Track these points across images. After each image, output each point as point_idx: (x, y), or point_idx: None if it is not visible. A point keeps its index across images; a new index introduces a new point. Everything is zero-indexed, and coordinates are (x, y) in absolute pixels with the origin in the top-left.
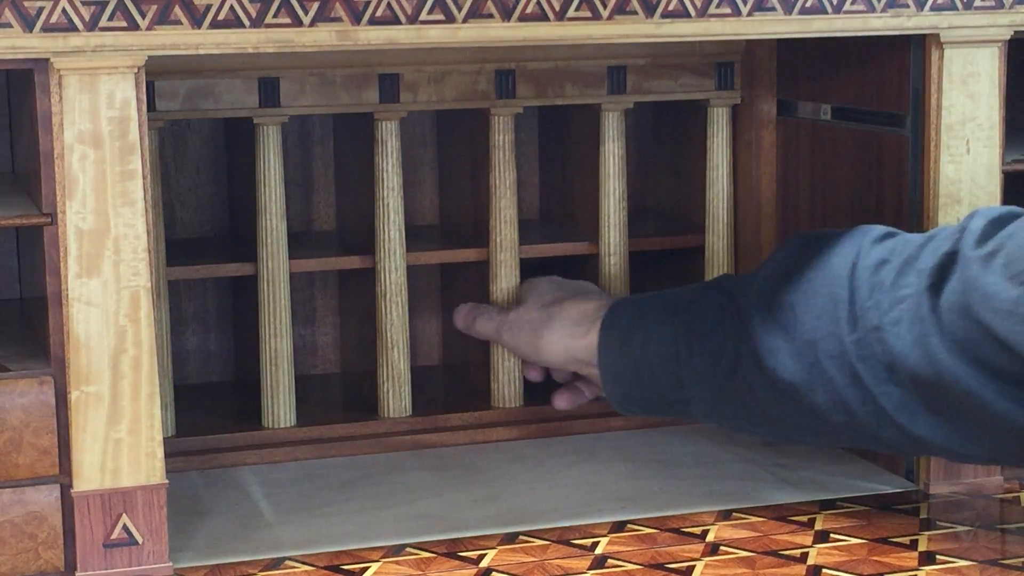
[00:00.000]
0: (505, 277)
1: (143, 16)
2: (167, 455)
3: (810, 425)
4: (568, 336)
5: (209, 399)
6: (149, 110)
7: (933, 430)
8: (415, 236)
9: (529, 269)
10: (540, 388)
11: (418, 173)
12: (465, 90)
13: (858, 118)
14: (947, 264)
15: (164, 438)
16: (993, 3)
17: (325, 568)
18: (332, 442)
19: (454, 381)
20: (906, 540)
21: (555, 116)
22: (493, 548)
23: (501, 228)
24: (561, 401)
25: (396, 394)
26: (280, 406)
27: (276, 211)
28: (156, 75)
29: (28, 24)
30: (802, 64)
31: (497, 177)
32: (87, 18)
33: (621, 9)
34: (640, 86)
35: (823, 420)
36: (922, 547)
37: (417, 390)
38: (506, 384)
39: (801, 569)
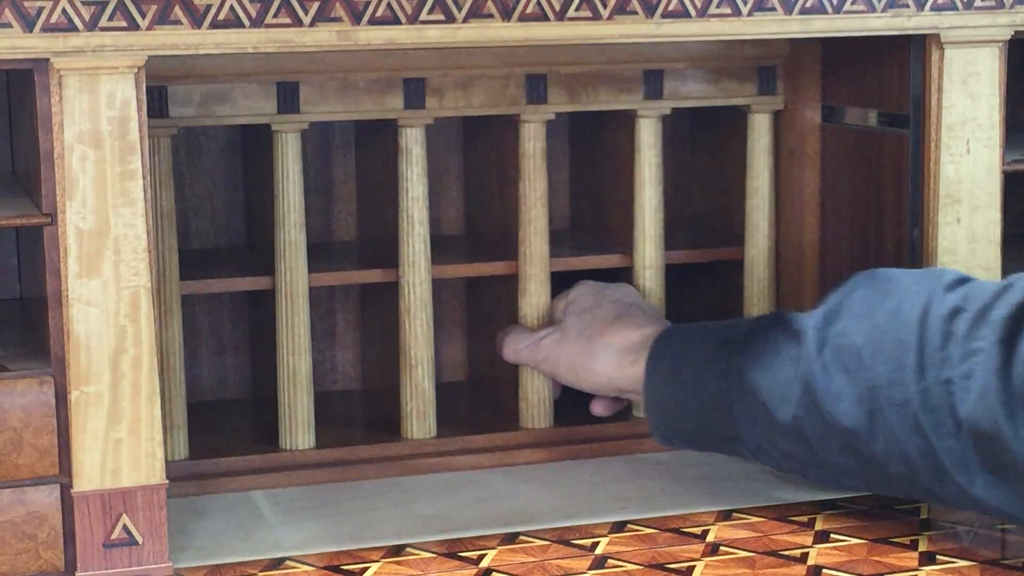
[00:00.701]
0: (535, 292)
1: (143, 16)
2: (179, 479)
3: (865, 473)
4: (612, 366)
5: (223, 418)
6: (162, 116)
7: (990, 491)
8: (439, 247)
9: (558, 283)
10: (571, 408)
11: (443, 182)
12: (494, 95)
13: (902, 124)
14: (1021, 316)
15: (176, 460)
16: (993, 3)
17: (325, 568)
18: (352, 465)
19: (480, 400)
20: (906, 540)
21: (586, 121)
22: (493, 548)
23: (531, 240)
24: (600, 408)
25: (420, 414)
26: (298, 427)
27: (295, 222)
28: (169, 79)
29: (28, 24)
30: (848, 67)
31: (527, 187)
32: (87, 18)
33: (621, 9)
34: (678, 91)
35: (880, 469)
36: (922, 547)
37: (441, 409)
38: (535, 404)
39: (801, 569)
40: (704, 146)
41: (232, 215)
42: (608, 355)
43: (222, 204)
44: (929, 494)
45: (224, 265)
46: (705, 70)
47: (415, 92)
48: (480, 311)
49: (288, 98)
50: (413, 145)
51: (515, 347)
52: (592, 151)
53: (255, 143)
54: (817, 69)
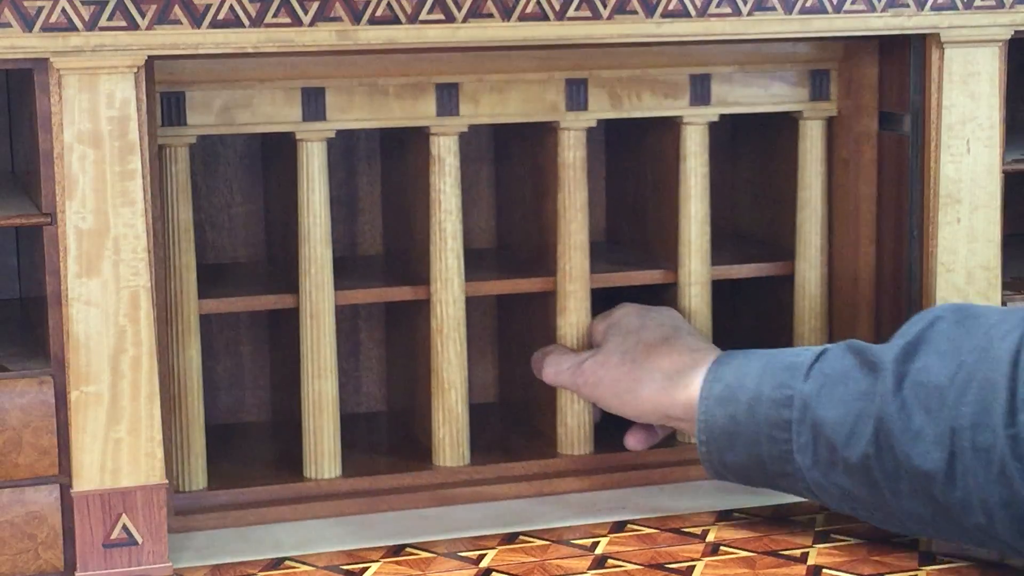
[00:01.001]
0: (575, 310)
1: (143, 16)
2: (198, 511)
3: (937, 520)
4: (661, 392)
5: (243, 444)
6: (179, 124)
7: None
8: (469, 262)
9: (596, 300)
10: (613, 432)
11: (472, 192)
12: (532, 101)
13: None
14: None
15: (194, 491)
16: (993, 3)
17: (325, 568)
18: (381, 495)
19: (513, 424)
20: (906, 540)
21: (623, 129)
22: (493, 548)
23: (570, 255)
24: (634, 441)
25: (453, 440)
26: (324, 455)
27: (320, 237)
28: (187, 85)
29: (28, 24)
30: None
31: (566, 198)
32: (87, 18)
33: (621, 9)
34: (725, 96)
35: (954, 518)
36: (922, 547)
37: (473, 434)
38: (574, 429)
39: (801, 569)
40: (748, 154)
41: (251, 228)
42: (656, 380)
43: (240, 216)
44: (1007, 547)
45: (243, 282)
46: (755, 74)
47: (448, 98)
48: (512, 330)
49: (313, 104)
50: (446, 154)
51: (555, 369)
52: (631, 160)
53: (276, 152)
54: (874, 73)
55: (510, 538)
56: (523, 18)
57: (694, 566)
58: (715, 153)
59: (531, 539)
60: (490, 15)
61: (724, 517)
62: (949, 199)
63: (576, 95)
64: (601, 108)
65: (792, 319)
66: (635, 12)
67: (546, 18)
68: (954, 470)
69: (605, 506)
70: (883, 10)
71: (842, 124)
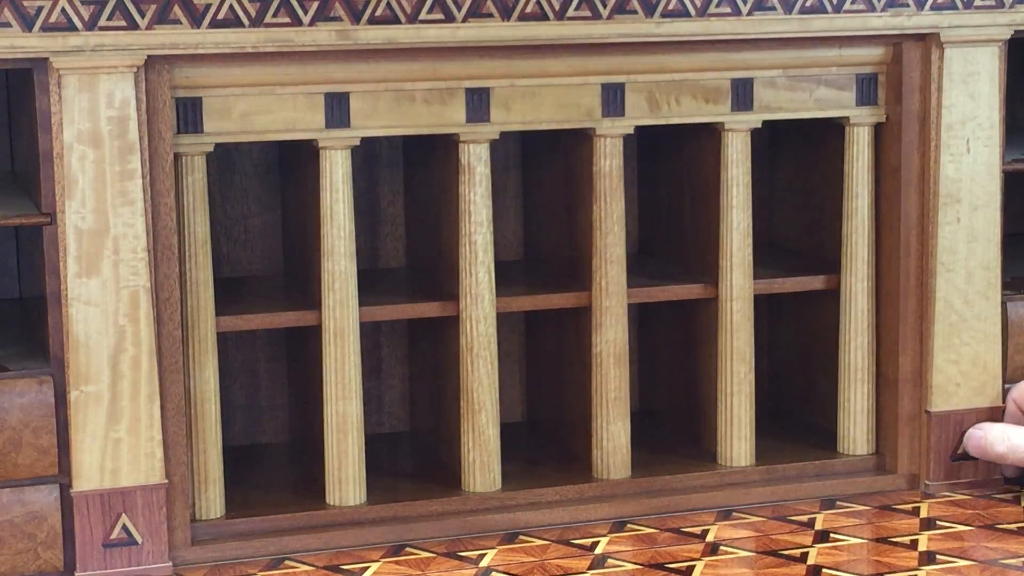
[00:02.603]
0: (611, 326)
1: (142, 16)
2: (215, 539)
3: None
4: None
5: (261, 468)
6: (196, 131)
7: None
8: (497, 275)
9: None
10: (647, 455)
11: (499, 202)
12: (566, 106)
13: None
14: None
15: (210, 520)
16: (993, 3)
17: (325, 568)
18: (408, 523)
19: (544, 445)
20: (906, 540)
21: (659, 135)
22: (493, 548)
23: (606, 269)
24: None
25: (483, 464)
26: (348, 480)
27: (344, 251)
28: (204, 90)
29: (27, 24)
30: None
31: (601, 209)
32: (86, 18)
33: (621, 8)
34: (769, 102)
35: None
36: (922, 547)
37: (502, 456)
38: (611, 452)
39: (801, 569)
40: (788, 162)
41: (268, 240)
42: None
43: (257, 228)
44: None
45: (261, 297)
46: (799, 78)
47: (478, 104)
48: (541, 346)
49: (337, 110)
50: (476, 163)
51: (1009, 446)
52: (666, 168)
53: (294, 160)
54: (924, 77)
55: (510, 538)
56: (523, 18)
57: (694, 566)
58: (752, 161)
59: (531, 539)
60: (490, 15)
61: (724, 517)
62: (949, 199)
63: (612, 100)
64: (639, 114)
65: (836, 335)
66: (635, 12)
67: (546, 18)
68: None
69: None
70: (883, 10)
71: (891, 131)
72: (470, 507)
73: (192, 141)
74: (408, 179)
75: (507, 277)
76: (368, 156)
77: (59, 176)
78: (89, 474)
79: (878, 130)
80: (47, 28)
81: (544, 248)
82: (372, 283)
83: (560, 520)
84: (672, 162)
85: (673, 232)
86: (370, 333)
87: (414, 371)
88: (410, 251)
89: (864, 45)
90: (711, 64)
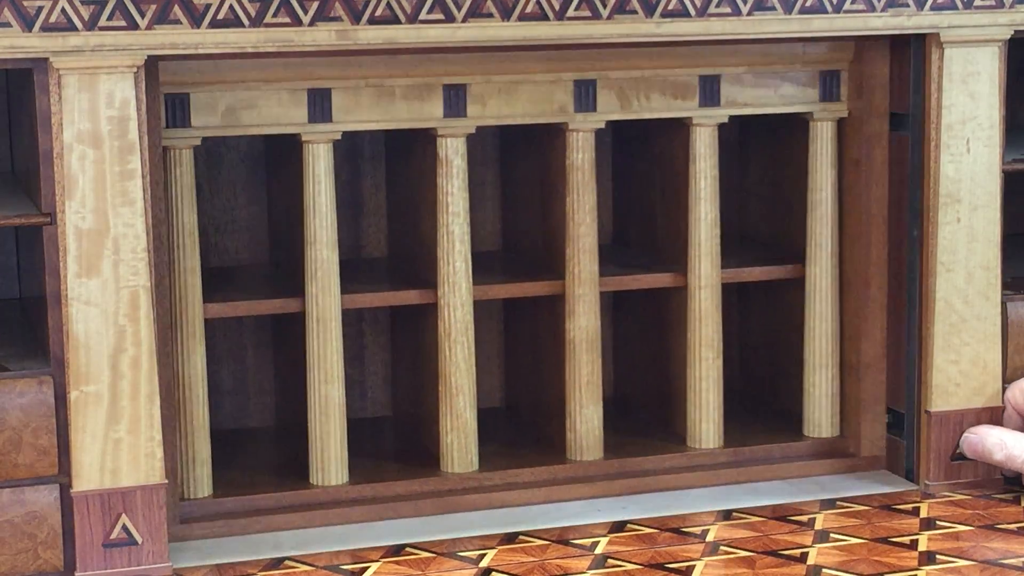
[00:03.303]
0: (584, 313)
1: (142, 16)
2: (203, 519)
3: None
4: None
5: (248, 450)
6: (184, 126)
7: None
8: (475, 265)
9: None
10: (619, 438)
11: (478, 195)
12: (540, 102)
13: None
14: None
15: (199, 499)
16: (993, 3)
17: (325, 568)
18: (388, 502)
19: (521, 430)
20: (906, 540)
21: (632, 130)
22: (493, 548)
23: (579, 258)
24: None
25: (461, 446)
26: (330, 461)
27: (327, 240)
28: (192, 86)
29: (27, 24)
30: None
31: (575, 200)
32: (86, 18)
33: (621, 8)
34: (735, 97)
35: None
36: (922, 547)
37: (480, 439)
38: (584, 435)
39: (801, 569)
40: (757, 157)
41: (255, 231)
42: None
43: (244, 219)
44: None
45: (247, 285)
46: (764, 74)
47: (455, 99)
48: (518, 334)
49: (319, 106)
50: (454, 156)
51: (990, 446)
52: (638, 162)
53: (280, 153)
54: (885, 73)
55: (510, 538)
56: (523, 18)
57: (694, 566)
58: (722, 155)
59: (531, 539)
60: (490, 15)
61: (724, 517)
62: (949, 199)
63: (585, 96)
64: (610, 109)
65: (803, 322)
66: (635, 12)
67: (546, 18)
68: None
69: (605, 505)
70: (883, 10)
71: (853, 125)
72: (448, 487)
73: (180, 135)
74: (390, 172)
75: (485, 267)
76: (352, 150)
77: (59, 176)
78: (89, 474)
79: (841, 125)
80: (47, 28)
81: (521, 239)
82: (355, 272)
83: (535, 499)
84: (644, 156)
85: (645, 223)
86: (353, 321)
87: (396, 357)
88: (392, 241)
89: (828, 43)
90: (680, 61)
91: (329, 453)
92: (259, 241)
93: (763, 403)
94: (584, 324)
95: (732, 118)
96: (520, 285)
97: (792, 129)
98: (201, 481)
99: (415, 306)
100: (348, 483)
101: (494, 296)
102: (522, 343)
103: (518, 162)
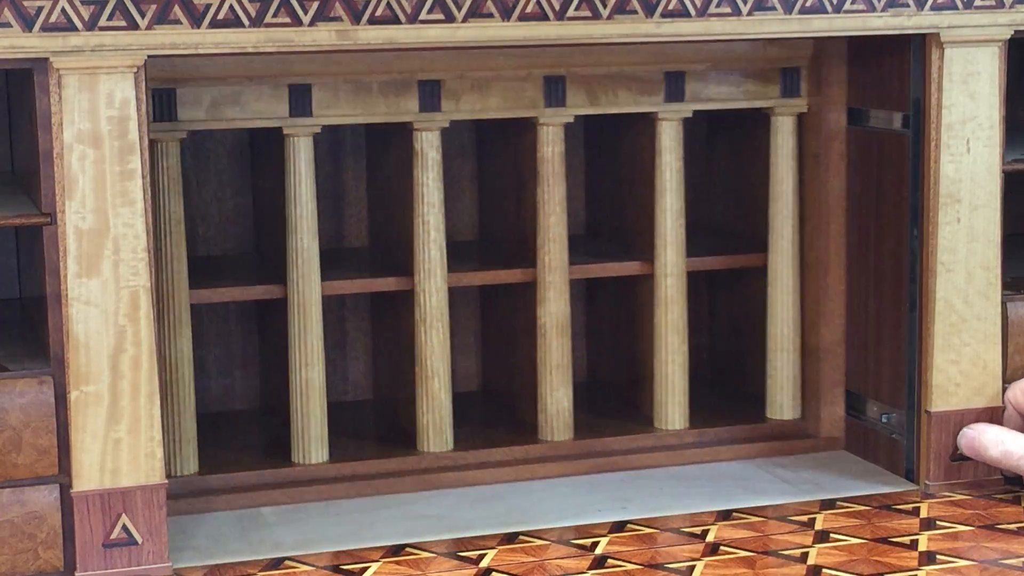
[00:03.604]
0: (554, 300)
1: (142, 16)
2: (188, 494)
3: None
4: None
5: (233, 431)
6: (170, 119)
7: None
8: (453, 254)
9: (573, 289)
10: (589, 420)
11: (456, 187)
12: (511, 97)
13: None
14: None
15: (185, 476)
16: (993, 3)
17: (325, 568)
18: (367, 479)
19: (496, 412)
20: (906, 540)
21: (602, 125)
22: (493, 548)
23: (549, 247)
24: None
25: (436, 427)
26: (311, 441)
27: (308, 229)
28: (178, 82)
29: (28, 24)
30: (873, 68)
31: (545, 192)
32: (86, 18)
33: (621, 8)
34: (699, 93)
35: None
36: (922, 547)
37: (456, 421)
38: (555, 416)
39: (801, 569)
40: (723, 150)
41: (240, 221)
42: None
43: (230, 210)
44: None
45: (233, 273)
46: (727, 72)
47: (430, 95)
48: (494, 320)
49: (300, 101)
50: (429, 149)
51: (1007, 450)
52: (609, 155)
53: (264, 147)
54: (843, 70)
55: (510, 538)
56: (523, 18)
57: (694, 566)
58: (692, 150)
59: (531, 539)
60: (490, 15)
61: (724, 517)
62: (949, 199)
63: (554, 92)
64: (578, 104)
65: (765, 308)
66: (635, 12)
67: (546, 18)
68: None
69: (605, 505)
70: (883, 10)
71: (812, 120)
72: (424, 466)
73: (166, 129)
74: (370, 165)
75: (463, 255)
76: (334, 145)
77: (59, 176)
78: (89, 474)
79: (801, 120)
80: (47, 28)
81: (496, 229)
82: (337, 260)
83: (507, 478)
84: (614, 150)
85: (615, 214)
86: (335, 308)
87: (376, 343)
88: (372, 231)
89: (788, 41)
90: (645, 59)
91: (310, 433)
92: (245, 231)
93: (730, 386)
94: (555, 310)
95: (698, 113)
96: (494, 273)
97: (755, 124)
98: (187, 459)
99: (394, 293)
100: (328, 461)
101: (468, 283)
102: (498, 329)
103: (493, 156)
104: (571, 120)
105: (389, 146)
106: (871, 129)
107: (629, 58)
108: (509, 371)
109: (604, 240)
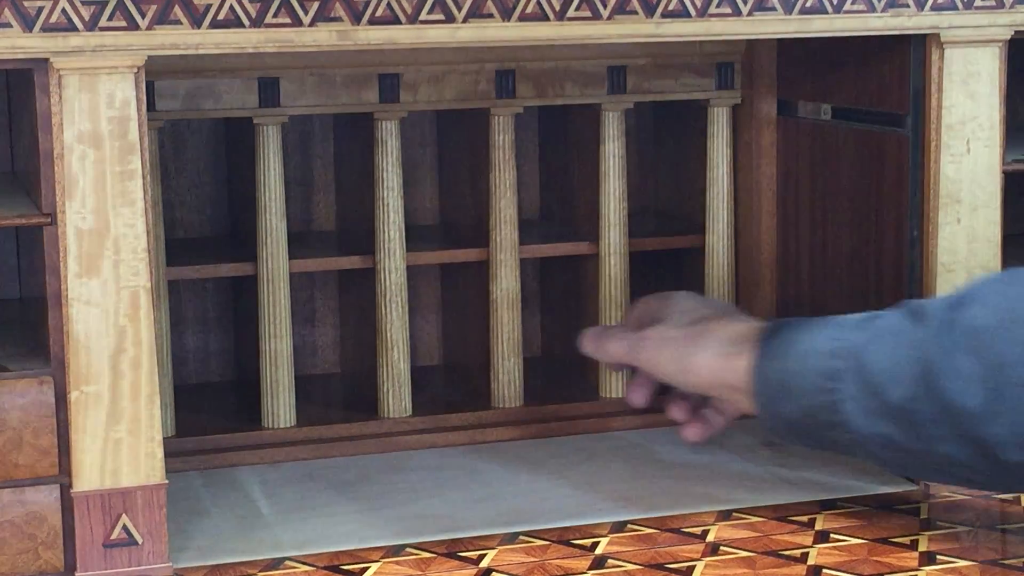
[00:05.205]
0: (505, 277)
1: (143, 16)
2: (166, 455)
3: (973, 463)
4: (719, 356)
5: (209, 399)
6: (149, 110)
7: None
8: (415, 236)
9: (529, 269)
10: (540, 388)
11: (418, 173)
12: (465, 90)
13: (859, 118)
14: None
15: (164, 438)
16: (993, 3)
17: (325, 568)
18: (332, 442)
19: (454, 381)
20: (906, 540)
21: (556, 115)
22: (493, 548)
23: (501, 228)
24: (692, 433)
25: (396, 394)
26: (280, 406)
27: (276, 211)
28: (156, 75)
29: (28, 24)
30: (803, 64)
31: (497, 177)
32: (87, 18)
33: (621, 9)
34: (640, 86)
35: (993, 456)
36: (922, 547)
37: (417, 390)
38: (506, 384)
39: (801, 569)
40: (666, 139)
41: (216, 204)
42: (714, 345)
43: (206, 194)
44: None
45: (208, 252)
46: (666, 66)
47: (390, 87)
48: (453, 297)
49: (269, 92)
50: (388, 137)
51: (618, 344)
52: (559, 144)
53: (238, 136)
54: (773, 64)
55: (510, 538)
56: (523, 18)
57: (694, 566)
58: (639, 138)
59: (531, 539)
60: (490, 15)
61: (724, 517)
62: (949, 199)
63: (505, 84)
64: (527, 96)
65: (703, 287)
66: (635, 12)
67: (546, 18)
68: (997, 405)
69: (605, 505)
70: (883, 10)
71: (745, 111)
72: (384, 430)
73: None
74: (337, 153)
75: (423, 237)
76: (304, 134)
77: (59, 176)
78: (89, 474)
79: (735, 110)
80: (47, 28)
81: (455, 213)
82: (306, 242)
83: (460, 441)
84: (564, 139)
85: (565, 199)
86: (305, 286)
87: (343, 319)
88: (339, 215)
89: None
90: (590, 53)
91: (279, 399)
92: (221, 214)
93: None
94: (506, 287)
95: (639, 104)
96: (451, 252)
97: (694, 114)
98: (166, 423)
99: (359, 272)
100: (296, 426)
101: (426, 262)
102: (456, 305)
103: (452, 145)
104: (520, 111)
105: (353, 135)
106: (800, 119)
107: (574, 53)
108: (466, 345)
109: (556, 222)
